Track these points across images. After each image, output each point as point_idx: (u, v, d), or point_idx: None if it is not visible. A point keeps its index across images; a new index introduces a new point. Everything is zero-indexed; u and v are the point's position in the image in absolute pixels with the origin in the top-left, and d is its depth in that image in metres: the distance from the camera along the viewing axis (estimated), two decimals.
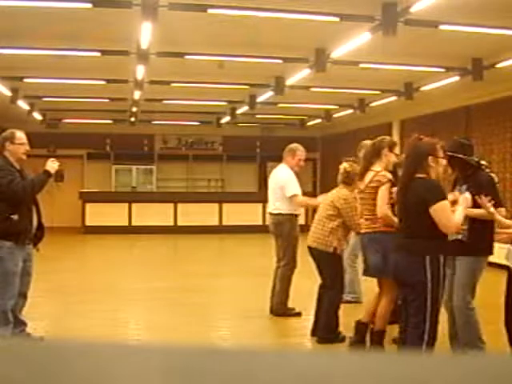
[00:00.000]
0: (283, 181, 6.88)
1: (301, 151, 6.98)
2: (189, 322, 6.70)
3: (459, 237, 4.88)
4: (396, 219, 4.88)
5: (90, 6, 6.90)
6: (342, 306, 6.07)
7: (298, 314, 6.88)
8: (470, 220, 4.84)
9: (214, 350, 0.66)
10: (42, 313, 6.76)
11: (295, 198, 6.84)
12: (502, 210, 4.94)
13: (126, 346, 0.67)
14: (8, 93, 12.50)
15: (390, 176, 5.31)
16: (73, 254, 13.19)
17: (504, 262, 4.89)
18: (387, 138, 5.73)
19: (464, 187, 4.96)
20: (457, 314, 4.98)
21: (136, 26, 7.48)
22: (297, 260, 6.88)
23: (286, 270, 6.85)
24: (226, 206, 17.03)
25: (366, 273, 5.55)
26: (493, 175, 5.14)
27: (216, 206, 17.12)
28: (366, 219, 5.40)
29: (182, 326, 6.47)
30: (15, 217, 5.25)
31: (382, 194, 5.22)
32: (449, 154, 4.88)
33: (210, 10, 7.18)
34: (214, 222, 16.98)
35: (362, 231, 5.50)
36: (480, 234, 4.85)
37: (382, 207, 5.20)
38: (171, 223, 16.77)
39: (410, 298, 4.39)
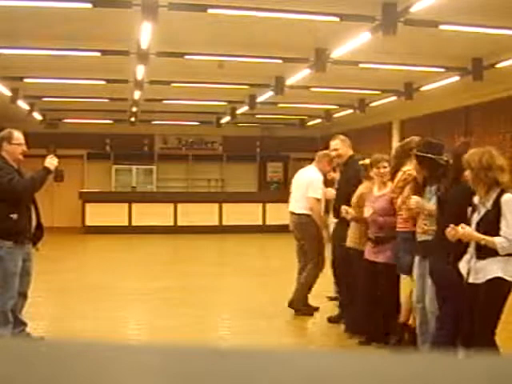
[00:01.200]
0: (310, 180, 6.95)
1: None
2: (189, 321, 6.70)
3: (428, 238, 4.88)
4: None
5: (89, 6, 6.89)
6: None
7: (317, 309, 7.02)
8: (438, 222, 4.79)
9: (214, 350, 0.66)
10: (41, 313, 6.77)
11: (313, 201, 6.88)
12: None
13: (126, 346, 0.67)
14: (8, 93, 12.50)
15: (415, 174, 5.33)
16: (73, 254, 13.18)
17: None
18: (416, 138, 5.76)
19: (433, 188, 4.92)
20: (429, 317, 4.89)
21: (136, 26, 7.48)
22: (325, 259, 6.90)
23: (314, 268, 6.91)
24: (225, 205, 17.02)
25: (399, 270, 5.57)
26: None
27: (216, 206, 17.11)
28: (400, 219, 5.47)
29: (181, 326, 6.47)
30: (14, 216, 5.22)
31: (407, 192, 5.30)
32: (417, 154, 4.94)
33: (209, 10, 7.18)
34: (214, 221, 16.97)
35: (397, 230, 5.57)
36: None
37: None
38: (171, 223, 16.76)
39: (444, 299, 4.59)
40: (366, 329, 5.71)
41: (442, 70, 10.54)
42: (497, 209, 4.13)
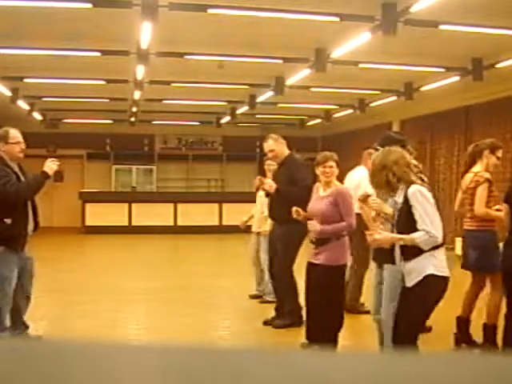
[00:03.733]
0: (358, 180, 6.82)
1: None
2: (189, 321, 6.70)
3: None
4: (497, 214, 5.13)
5: (89, 5, 6.90)
6: None
7: (368, 312, 6.95)
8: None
9: (214, 350, 0.66)
10: (41, 313, 6.76)
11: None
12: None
13: (126, 346, 0.67)
14: (8, 93, 12.51)
15: (488, 176, 5.43)
16: (73, 254, 13.18)
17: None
18: (489, 140, 5.77)
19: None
20: (384, 328, 4.54)
21: (136, 26, 7.48)
22: (369, 259, 6.90)
23: (359, 268, 6.92)
24: (225, 206, 17.01)
25: (464, 266, 5.70)
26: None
27: (216, 206, 17.11)
28: (468, 217, 5.58)
29: (181, 326, 6.47)
30: (8, 221, 5.03)
31: (480, 193, 5.36)
32: (375, 149, 4.69)
33: (210, 10, 7.18)
34: (214, 221, 16.97)
35: (465, 228, 5.71)
36: None
37: (480, 207, 5.36)
38: (171, 223, 16.76)
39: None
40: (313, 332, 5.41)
41: (442, 69, 10.54)
42: (405, 203, 3.92)
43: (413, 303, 3.93)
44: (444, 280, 3.93)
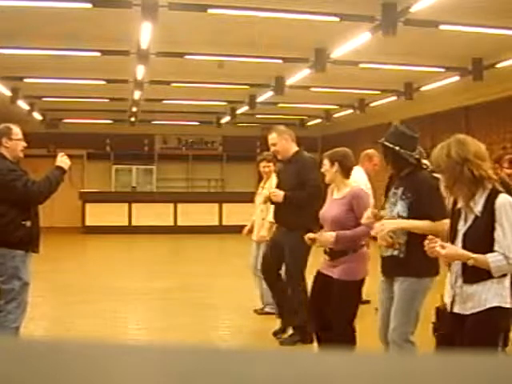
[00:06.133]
0: (355, 181, 6.59)
1: (377, 157, 6.95)
2: (189, 321, 6.70)
3: (395, 253, 3.92)
4: None
5: (89, 6, 6.90)
6: None
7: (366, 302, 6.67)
8: (409, 233, 3.87)
9: (214, 350, 0.66)
10: (42, 313, 6.76)
11: None
12: (446, 221, 3.58)
13: (126, 346, 0.67)
14: (8, 93, 12.51)
15: None
16: (73, 254, 13.18)
17: None
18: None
19: (399, 190, 3.95)
20: (391, 348, 3.94)
21: (136, 26, 7.49)
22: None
23: None
24: (225, 205, 17.02)
25: None
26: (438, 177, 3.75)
27: (216, 206, 17.12)
28: None
29: (181, 326, 6.47)
30: (28, 223, 4.73)
31: None
32: (382, 143, 4.06)
33: (209, 10, 7.18)
34: (214, 221, 16.97)
35: None
36: (421, 250, 3.42)
37: None
38: (171, 223, 16.77)
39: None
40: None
41: (442, 69, 10.54)
42: (489, 214, 3.12)
43: (475, 337, 3.19)
44: (506, 313, 3.25)
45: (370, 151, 7.28)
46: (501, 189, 3.19)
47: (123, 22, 7.80)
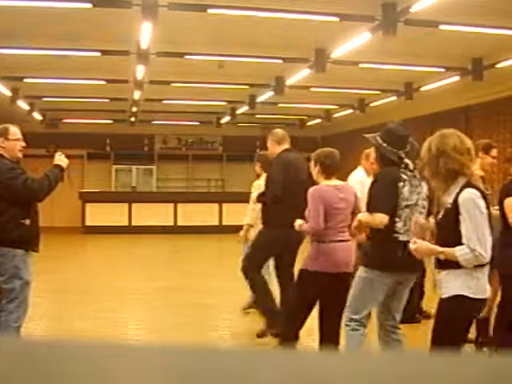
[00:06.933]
0: (355, 182, 6.36)
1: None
2: (189, 321, 6.70)
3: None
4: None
5: (89, 6, 6.90)
6: None
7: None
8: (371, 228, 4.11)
9: (214, 350, 0.66)
10: (42, 313, 6.76)
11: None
12: (380, 215, 3.88)
13: (126, 346, 0.67)
14: (8, 93, 12.51)
15: (481, 173, 5.21)
16: (73, 254, 13.18)
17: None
18: (483, 141, 5.71)
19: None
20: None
21: (136, 26, 7.49)
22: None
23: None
24: (225, 206, 17.02)
25: None
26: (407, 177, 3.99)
27: (216, 206, 17.12)
28: None
29: (181, 326, 6.47)
30: (27, 222, 4.72)
31: None
32: (374, 143, 4.23)
33: (209, 10, 7.18)
34: (214, 221, 16.98)
35: None
36: (375, 242, 4.02)
37: None
38: (171, 223, 16.77)
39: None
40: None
41: (442, 69, 10.55)
42: (456, 207, 3.23)
43: (438, 322, 3.41)
44: (479, 302, 3.34)
45: (368, 150, 7.28)
46: (475, 183, 3.30)
47: (123, 22, 7.80)
